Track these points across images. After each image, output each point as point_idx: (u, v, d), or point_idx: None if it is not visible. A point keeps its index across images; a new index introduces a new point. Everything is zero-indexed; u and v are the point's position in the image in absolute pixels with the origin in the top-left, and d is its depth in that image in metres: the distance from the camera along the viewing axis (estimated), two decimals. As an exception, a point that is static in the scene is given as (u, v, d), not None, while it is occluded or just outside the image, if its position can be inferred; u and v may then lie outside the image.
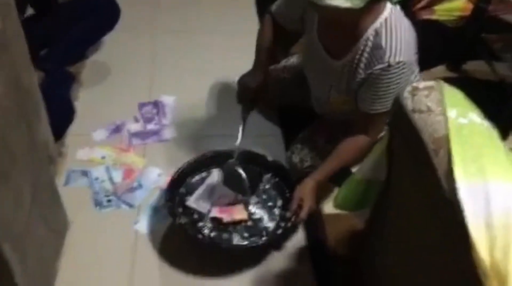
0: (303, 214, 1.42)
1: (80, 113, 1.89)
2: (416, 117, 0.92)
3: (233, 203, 1.53)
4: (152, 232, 1.52)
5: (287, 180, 1.58)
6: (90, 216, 1.56)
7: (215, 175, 1.60)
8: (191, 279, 1.42)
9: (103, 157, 1.74)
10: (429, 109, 0.92)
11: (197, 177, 1.61)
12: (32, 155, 1.17)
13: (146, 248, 1.48)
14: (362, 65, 1.34)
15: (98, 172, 1.68)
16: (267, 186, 1.60)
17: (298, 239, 1.54)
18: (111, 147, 1.78)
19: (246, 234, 1.47)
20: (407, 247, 1.06)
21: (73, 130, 1.83)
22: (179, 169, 1.57)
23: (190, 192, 1.56)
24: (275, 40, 1.61)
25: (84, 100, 1.95)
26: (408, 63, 1.30)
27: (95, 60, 2.15)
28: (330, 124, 1.61)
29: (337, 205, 1.30)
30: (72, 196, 1.56)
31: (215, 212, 1.50)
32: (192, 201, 1.53)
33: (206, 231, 1.47)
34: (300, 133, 1.68)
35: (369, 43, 1.31)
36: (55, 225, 1.39)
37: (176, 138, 1.84)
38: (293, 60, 1.85)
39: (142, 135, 1.83)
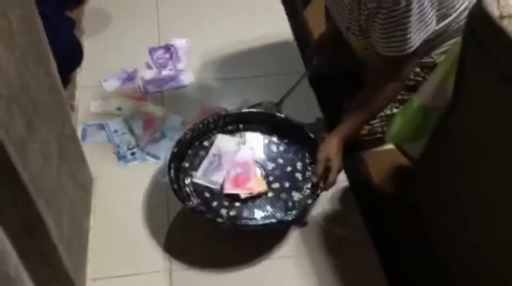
0: (332, 177, 1.25)
1: (87, 64, 1.73)
2: (505, 23, 0.79)
3: (246, 172, 1.32)
4: (183, 183, 1.41)
5: (304, 139, 1.38)
6: (114, 171, 1.44)
7: (219, 141, 1.39)
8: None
9: (119, 108, 1.60)
10: (521, 13, 0.79)
11: (198, 147, 1.38)
12: (54, 104, 1.04)
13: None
14: None
15: (116, 124, 1.55)
16: (281, 148, 1.40)
17: (340, 180, 1.43)
18: (125, 97, 1.64)
19: (269, 208, 1.27)
20: (481, 172, 0.96)
21: (82, 82, 1.69)
22: (178, 141, 1.35)
23: (195, 166, 1.34)
24: None
25: (89, 49, 1.79)
26: None
27: (95, 6, 1.97)
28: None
29: (391, 137, 1.19)
30: (92, 151, 1.44)
31: (229, 188, 1.29)
32: (199, 177, 1.31)
33: (223, 211, 1.26)
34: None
35: None
36: (82, 181, 1.28)
37: (194, 83, 1.70)
38: None
39: (158, 82, 1.68)
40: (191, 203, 1.26)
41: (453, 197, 1.12)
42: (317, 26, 1.91)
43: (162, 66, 1.74)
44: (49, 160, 0.97)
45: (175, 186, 1.26)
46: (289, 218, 1.24)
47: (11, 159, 0.75)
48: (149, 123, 1.56)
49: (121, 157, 1.46)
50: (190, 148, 1.37)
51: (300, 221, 1.31)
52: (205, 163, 1.34)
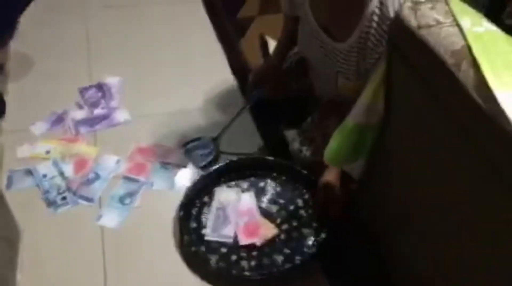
0: (336, 206, 1.26)
1: (12, 108, 1.64)
2: (424, 33, 0.80)
3: (254, 219, 1.32)
4: (120, 225, 1.33)
5: (296, 175, 1.41)
6: (44, 218, 1.33)
7: (218, 194, 1.38)
8: (177, 277, 1.24)
9: (48, 152, 1.51)
10: (438, 22, 0.80)
11: (200, 205, 1.36)
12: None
13: (116, 245, 1.29)
14: (370, 44, 1.17)
15: (45, 168, 1.45)
16: (278, 189, 1.41)
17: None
18: (55, 139, 1.55)
19: (287, 251, 1.27)
20: (424, 181, 0.95)
21: (7, 127, 1.59)
22: (180, 205, 1.33)
23: (203, 224, 1.32)
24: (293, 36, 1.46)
25: (14, 93, 1.70)
26: None
27: (19, 48, 1.88)
28: (343, 105, 1.36)
29: (329, 159, 1.17)
30: (19, 199, 1.34)
31: (242, 239, 1.28)
32: (210, 234, 1.29)
33: (244, 263, 1.24)
34: (303, 121, 1.49)
35: (375, 18, 1.13)
36: (5, 233, 1.17)
37: (129, 120, 1.64)
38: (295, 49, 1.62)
39: (90, 121, 1.61)
40: (211, 261, 1.23)
41: (399, 212, 1.10)
42: (253, 57, 1.92)
43: (94, 105, 1.67)
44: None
45: (193, 249, 1.24)
46: (309, 257, 1.24)
47: None
48: (81, 165, 1.47)
49: (51, 203, 1.37)
50: (192, 208, 1.35)
51: (321, 257, 1.26)
52: (211, 219, 1.32)
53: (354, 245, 1.28)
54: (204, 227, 1.31)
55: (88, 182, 1.42)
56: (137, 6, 2.17)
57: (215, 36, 2.04)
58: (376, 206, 1.20)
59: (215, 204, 1.36)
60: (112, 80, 1.77)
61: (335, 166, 1.23)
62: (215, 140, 1.55)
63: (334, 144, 1.15)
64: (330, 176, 1.29)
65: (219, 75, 1.84)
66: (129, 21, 2.08)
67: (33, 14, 1.78)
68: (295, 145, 1.48)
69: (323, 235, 1.28)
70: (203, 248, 1.26)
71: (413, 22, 0.82)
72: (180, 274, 1.24)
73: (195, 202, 1.36)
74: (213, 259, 1.24)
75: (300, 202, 1.38)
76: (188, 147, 1.54)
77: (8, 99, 1.68)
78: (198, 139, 1.56)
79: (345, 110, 1.19)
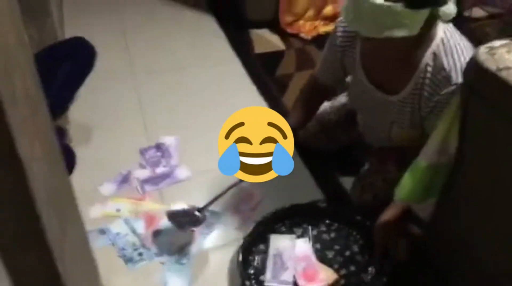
0: (402, 254, 1.30)
1: (80, 170, 1.72)
2: (505, 74, 0.87)
3: (311, 265, 1.35)
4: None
5: (349, 221, 1.45)
6: (124, 275, 1.38)
7: (274, 241, 1.42)
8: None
9: (118, 210, 1.57)
10: (517, 64, 0.88)
11: (256, 253, 1.40)
12: (72, 205, 1.02)
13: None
14: (426, 93, 1.25)
15: (117, 226, 1.51)
16: (332, 235, 1.45)
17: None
18: (124, 198, 1.62)
19: None
20: (504, 221, 0.99)
21: (77, 188, 1.65)
22: (238, 252, 1.35)
23: (260, 271, 1.35)
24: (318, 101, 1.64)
25: (80, 156, 1.78)
26: None
27: (79, 114, 1.99)
28: (398, 150, 1.47)
29: (401, 199, 1.22)
30: (97, 257, 1.38)
31: (305, 285, 1.30)
32: (270, 280, 1.32)
33: None
34: (361, 168, 1.56)
35: (429, 68, 1.22)
36: (96, 288, 1.21)
37: (191, 176, 1.71)
38: (339, 99, 1.72)
39: (154, 180, 1.68)
40: None
41: (472, 254, 1.13)
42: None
43: (156, 165, 1.74)
44: (79, 265, 0.92)
45: None
46: None
47: (55, 263, 0.72)
48: (150, 221, 1.53)
49: (128, 260, 1.41)
50: (250, 255, 1.39)
51: None
52: (269, 265, 1.36)
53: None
54: (263, 273, 1.34)
55: (155, 237, 1.47)
56: (178, 71, 2.30)
57: (257, 93, 2.14)
58: (447, 246, 1.23)
59: (271, 250, 1.39)
60: (168, 140, 1.85)
61: (409, 203, 1.27)
62: (200, 210, 1.48)
63: (407, 184, 1.19)
64: (389, 215, 1.32)
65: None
66: (174, 84, 2.20)
67: (86, 81, 1.91)
68: (356, 191, 1.54)
69: (384, 279, 1.29)
70: None
71: (491, 64, 0.89)
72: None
73: (251, 249, 1.40)
74: None
75: (355, 248, 1.41)
76: (173, 213, 1.47)
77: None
78: (184, 210, 1.47)
79: (401, 155, 1.26)
